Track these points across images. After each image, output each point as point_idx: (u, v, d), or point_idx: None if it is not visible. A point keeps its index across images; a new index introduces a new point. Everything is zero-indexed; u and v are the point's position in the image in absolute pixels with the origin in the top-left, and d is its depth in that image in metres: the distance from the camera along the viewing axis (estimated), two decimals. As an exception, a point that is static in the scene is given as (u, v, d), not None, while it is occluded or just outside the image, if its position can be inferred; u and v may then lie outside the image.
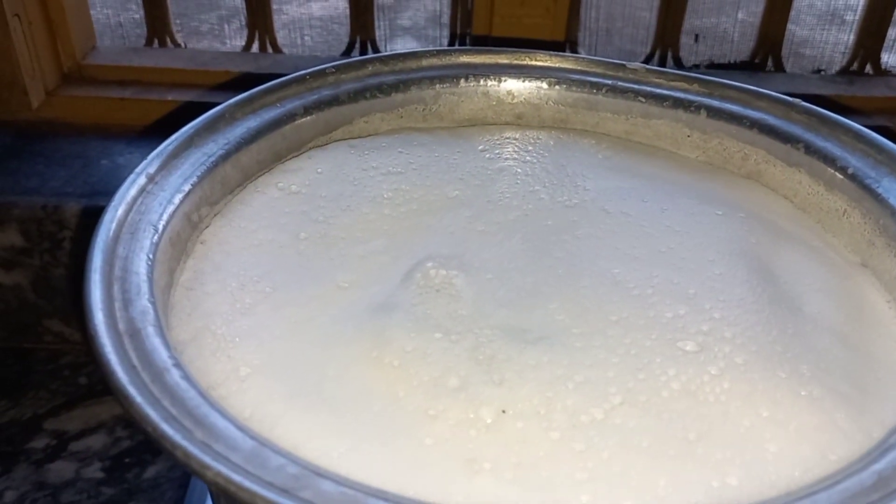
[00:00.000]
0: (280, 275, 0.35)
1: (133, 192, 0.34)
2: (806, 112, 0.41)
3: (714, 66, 0.79)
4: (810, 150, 0.41)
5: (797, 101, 0.42)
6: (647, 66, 0.44)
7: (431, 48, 0.44)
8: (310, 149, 0.43)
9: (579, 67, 0.46)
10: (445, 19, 0.73)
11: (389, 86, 0.44)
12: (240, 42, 0.76)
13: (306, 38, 0.89)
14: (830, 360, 0.32)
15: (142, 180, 0.34)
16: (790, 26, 0.74)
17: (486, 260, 0.36)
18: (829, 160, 0.40)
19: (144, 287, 0.30)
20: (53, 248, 0.63)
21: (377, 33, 0.73)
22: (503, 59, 0.45)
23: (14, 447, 0.59)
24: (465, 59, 0.45)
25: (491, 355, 0.30)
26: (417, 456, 0.27)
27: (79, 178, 0.65)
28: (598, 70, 0.45)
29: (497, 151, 0.43)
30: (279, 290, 0.34)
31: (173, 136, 0.36)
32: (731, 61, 0.79)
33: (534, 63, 0.46)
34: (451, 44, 0.74)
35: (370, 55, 0.44)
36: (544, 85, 0.46)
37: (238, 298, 0.33)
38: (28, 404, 0.62)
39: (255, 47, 0.75)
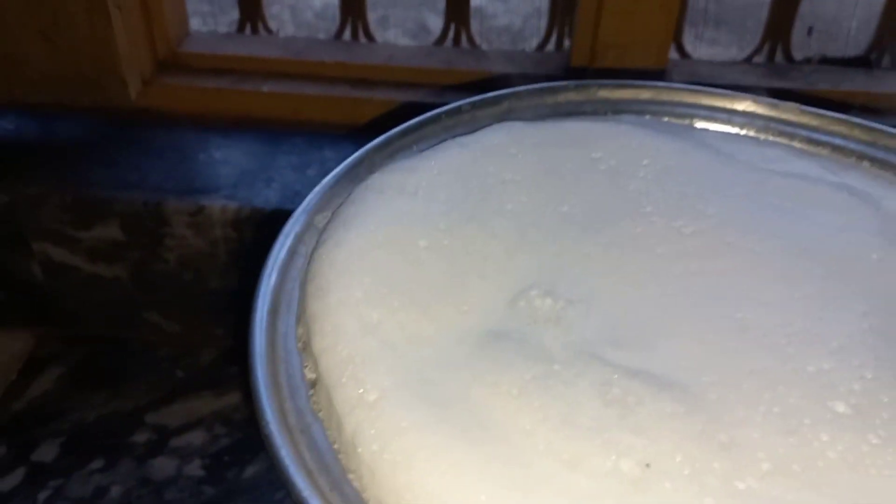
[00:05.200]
0: (404, 288, 0.33)
1: (283, 255, 0.33)
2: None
3: (826, 62, 0.74)
4: None
5: None
6: (801, 107, 0.41)
7: (570, 82, 0.42)
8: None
9: (719, 105, 0.43)
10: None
11: (527, 123, 0.42)
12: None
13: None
14: None
15: (290, 241, 0.33)
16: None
17: (592, 289, 0.33)
18: None
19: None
20: (153, 244, 0.63)
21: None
22: (644, 95, 0.43)
23: (117, 440, 0.60)
24: (602, 94, 0.43)
25: (620, 397, 0.28)
26: None
27: (177, 172, 0.64)
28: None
29: (611, 161, 0.40)
30: (405, 309, 0.32)
31: (315, 190, 0.35)
32: (846, 56, 0.74)
33: (675, 98, 0.43)
34: (547, 37, 0.70)
35: (505, 90, 0.42)
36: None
37: (364, 314, 0.31)
38: (128, 396, 0.63)
39: (347, 34, 0.73)
